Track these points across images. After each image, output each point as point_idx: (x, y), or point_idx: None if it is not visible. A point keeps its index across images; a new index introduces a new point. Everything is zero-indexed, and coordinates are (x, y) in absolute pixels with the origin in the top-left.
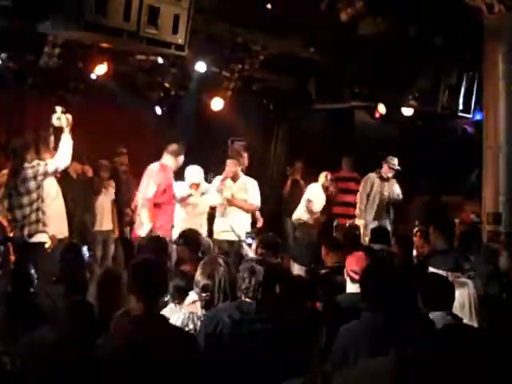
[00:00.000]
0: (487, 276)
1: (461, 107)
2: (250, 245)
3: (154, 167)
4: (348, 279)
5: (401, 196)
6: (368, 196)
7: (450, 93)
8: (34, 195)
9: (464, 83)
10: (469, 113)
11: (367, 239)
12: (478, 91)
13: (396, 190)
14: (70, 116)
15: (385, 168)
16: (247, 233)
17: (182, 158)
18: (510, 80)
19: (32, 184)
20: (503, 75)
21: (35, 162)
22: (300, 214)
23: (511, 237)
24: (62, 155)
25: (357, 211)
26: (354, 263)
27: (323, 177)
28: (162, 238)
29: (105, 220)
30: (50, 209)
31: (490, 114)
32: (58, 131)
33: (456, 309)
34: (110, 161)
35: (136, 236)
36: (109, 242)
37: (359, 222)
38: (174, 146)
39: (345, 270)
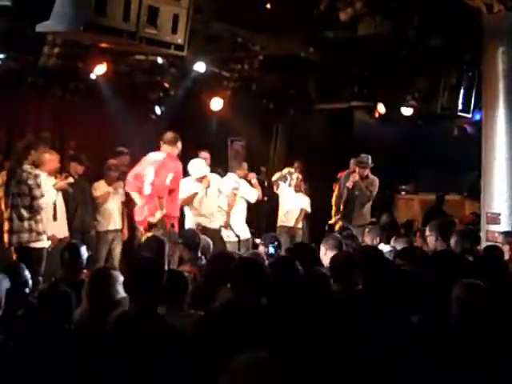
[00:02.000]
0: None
1: (460, 107)
2: (271, 255)
3: (158, 157)
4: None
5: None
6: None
7: (450, 93)
8: (26, 201)
9: (464, 83)
10: (468, 113)
11: None
12: (478, 91)
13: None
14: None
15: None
16: (271, 242)
17: (180, 144)
18: (510, 80)
19: (24, 188)
20: (503, 75)
21: (29, 168)
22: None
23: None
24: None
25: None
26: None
27: (295, 179)
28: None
29: (112, 220)
30: (50, 210)
31: (489, 114)
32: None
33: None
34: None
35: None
36: (115, 241)
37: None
38: (170, 135)
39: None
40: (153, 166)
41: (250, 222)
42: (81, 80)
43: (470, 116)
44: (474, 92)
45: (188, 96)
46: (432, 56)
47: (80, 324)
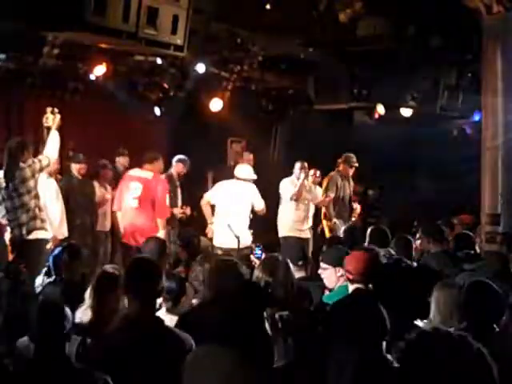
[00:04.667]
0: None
1: (459, 108)
2: (259, 258)
3: (146, 175)
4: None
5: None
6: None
7: (449, 93)
8: (33, 193)
9: (463, 84)
10: (468, 113)
11: None
12: (477, 92)
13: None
14: (58, 116)
15: (343, 166)
16: (257, 245)
17: (158, 162)
18: (509, 81)
19: (31, 183)
20: (502, 76)
21: (31, 161)
22: None
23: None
24: (51, 150)
25: (331, 213)
26: (350, 263)
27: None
28: (160, 239)
29: (105, 221)
30: (51, 210)
31: (488, 115)
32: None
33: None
34: (110, 161)
35: None
36: (106, 242)
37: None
38: (149, 154)
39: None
40: (140, 182)
41: None
42: (80, 80)
43: (469, 116)
44: (473, 93)
45: (188, 97)
46: (431, 56)
47: (83, 324)
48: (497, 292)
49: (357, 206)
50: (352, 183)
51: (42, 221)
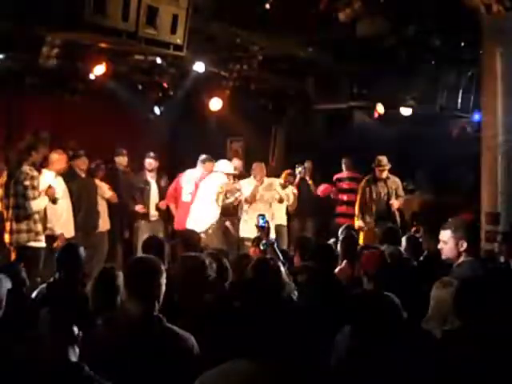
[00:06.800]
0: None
1: (459, 107)
2: (262, 227)
3: (196, 173)
4: (365, 278)
5: (401, 193)
6: (366, 200)
7: (449, 93)
8: (22, 201)
9: (462, 83)
10: (467, 113)
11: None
12: (477, 91)
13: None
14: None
15: (375, 170)
16: (261, 215)
17: (209, 164)
18: (508, 81)
19: (20, 188)
20: (501, 75)
21: (28, 169)
22: None
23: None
24: (37, 203)
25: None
26: (370, 262)
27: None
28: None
29: (106, 220)
30: (58, 208)
31: (488, 114)
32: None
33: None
34: (109, 161)
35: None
36: (106, 241)
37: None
38: (202, 156)
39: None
40: (192, 180)
41: None
42: (80, 80)
43: (468, 116)
44: (472, 92)
45: (187, 96)
46: (431, 56)
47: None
48: (489, 290)
49: (393, 202)
50: (390, 181)
51: (37, 234)
